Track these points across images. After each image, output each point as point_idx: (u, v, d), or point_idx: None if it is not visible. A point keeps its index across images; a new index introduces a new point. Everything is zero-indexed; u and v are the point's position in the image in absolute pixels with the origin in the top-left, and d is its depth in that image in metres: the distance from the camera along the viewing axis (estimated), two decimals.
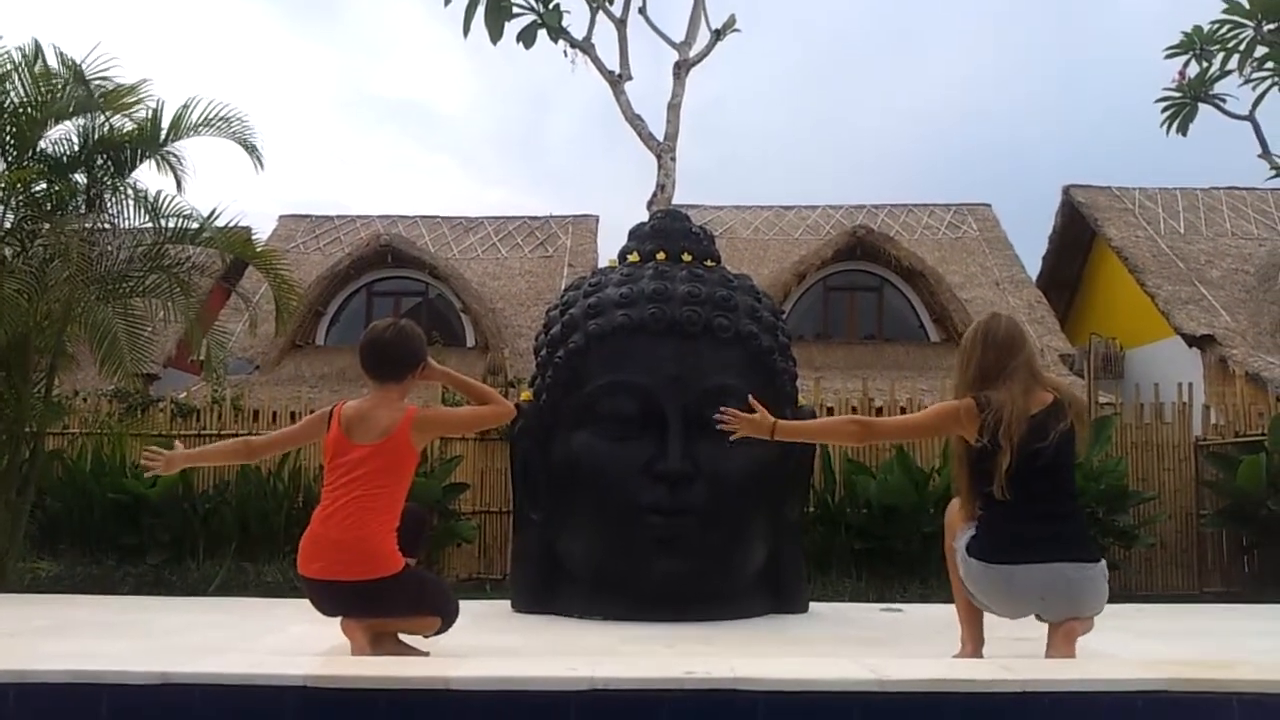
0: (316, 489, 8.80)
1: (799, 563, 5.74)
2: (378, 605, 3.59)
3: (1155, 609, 7.02)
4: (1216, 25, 14.85)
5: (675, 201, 13.22)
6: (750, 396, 3.91)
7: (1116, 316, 18.25)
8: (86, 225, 8.32)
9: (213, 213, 8.65)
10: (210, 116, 8.48)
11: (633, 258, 5.70)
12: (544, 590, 5.39)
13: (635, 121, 13.45)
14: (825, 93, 69.32)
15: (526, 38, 13.71)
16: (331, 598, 3.62)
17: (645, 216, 6.58)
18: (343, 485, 3.56)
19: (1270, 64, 14.63)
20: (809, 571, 6.48)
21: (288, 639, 4.49)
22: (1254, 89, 14.95)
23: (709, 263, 5.71)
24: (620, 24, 13.95)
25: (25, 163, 8.09)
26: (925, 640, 4.60)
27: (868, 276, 17.55)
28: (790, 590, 5.55)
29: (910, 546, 8.73)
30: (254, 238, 9.36)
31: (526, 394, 5.73)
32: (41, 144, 8.30)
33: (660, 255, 5.60)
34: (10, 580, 7.88)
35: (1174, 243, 18.11)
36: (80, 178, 8.51)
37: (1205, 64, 15.27)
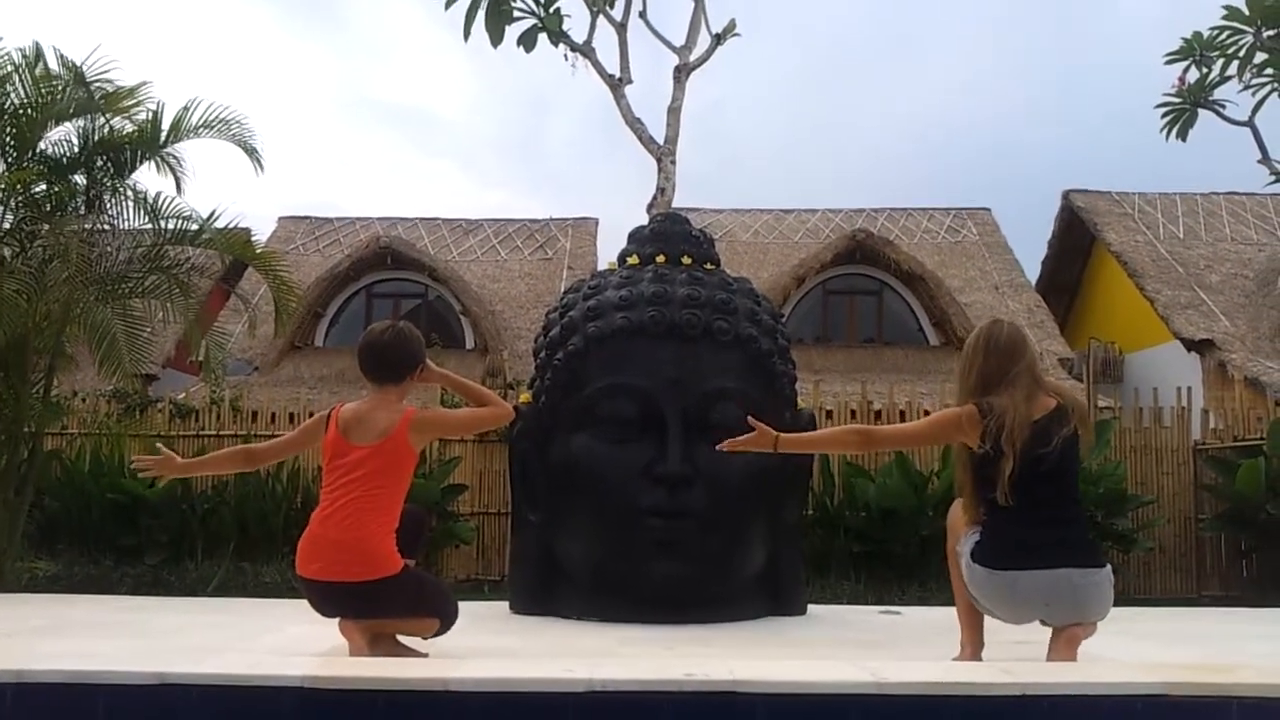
0: (315, 490, 8.81)
1: (798, 565, 5.74)
2: (376, 606, 3.59)
3: (1154, 613, 7.02)
4: (1216, 31, 14.89)
5: (675, 205, 13.23)
6: (749, 416, 3.92)
7: (1116, 321, 18.26)
8: (86, 226, 8.32)
9: (212, 214, 8.66)
10: (210, 118, 8.49)
11: (632, 261, 5.70)
12: (542, 592, 5.39)
13: (635, 125, 13.47)
14: (825, 97, 69.40)
15: (527, 41, 13.73)
16: (330, 599, 3.62)
17: (645, 219, 6.58)
18: (341, 486, 3.56)
19: (1270, 70, 14.67)
20: (808, 574, 6.48)
21: (286, 639, 4.48)
22: (1253, 95, 15.01)
23: (708, 266, 5.71)
24: (620, 28, 13.96)
25: (25, 164, 8.09)
26: (924, 643, 4.59)
27: (867, 280, 17.55)
28: (789, 593, 5.54)
29: (909, 549, 8.73)
30: (253, 239, 9.36)
31: (525, 396, 5.73)
32: (41, 145, 8.31)
33: (660, 258, 5.60)
34: (8, 580, 7.88)
35: (1173, 247, 18.12)
36: (80, 179, 8.51)
37: (1205, 70, 15.32)
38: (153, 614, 5.82)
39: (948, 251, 19.54)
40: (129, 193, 8.52)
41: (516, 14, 13.57)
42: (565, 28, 13.83)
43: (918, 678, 2.60)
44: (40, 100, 8.06)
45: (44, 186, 8.22)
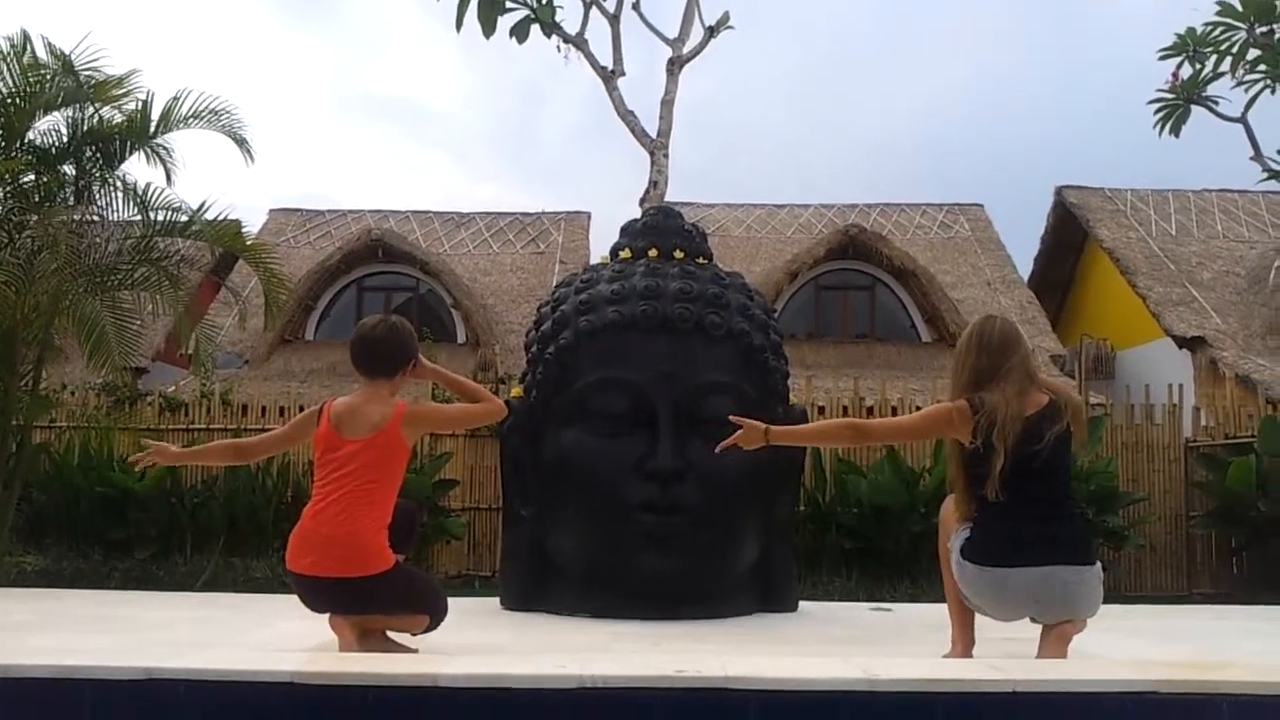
0: (305, 484, 8.80)
1: (789, 561, 5.73)
2: (367, 602, 3.57)
3: (1145, 610, 7.04)
4: (1209, 27, 14.91)
5: (668, 199, 13.21)
6: (737, 414, 3.90)
7: (1108, 317, 18.30)
8: (75, 217, 8.27)
9: (202, 206, 8.61)
10: (200, 109, 8.44)
11: (625, 254, 5.69)
12: (534, 587, 5.38)
13: (628, 118, 13.44)
14: (819, 92, 69.42)
15: (519, 33, 13.69)
16: (321, 594, 3.60)
17: (638, 213, 6.56)
18: (334, 480, 3.54)
19: (1263, 66, 14.69)
20: (799, 570, 6.48)
21: (275, 635, 4.47)
22: (1246, 91, 15.02)
23: (701, 260, 5.69)
24: (614, 19, 13.93)
25: (13, 154, 8.04)
26: (915, 640, 4.59)
27: (860, 276, 17.56)
28: (780, 589, 5.54)
29: (900, 546, 8.74)
30: (244, 231, 9.31)
31: (517, 390, 5.72)
32: (30, 135, 8.25)
33: (652, 252, 5.59)
34: None
35: (1165, 244, 18.16)
36: (69, 169, 8.46)
37: (1198, 66, 15.33)
38: (141, 609, 5.80)
39: (940, 247, 19.56)
40: (118, 183, 8.47)
41: (509, 5, 13.53)
42: (558, 19, 13.80)
43: (909, 674, 2.60)
44: (28, 89, 8.00)
45: (32, 177, 8.17)
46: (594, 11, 13.96)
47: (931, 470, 9.02)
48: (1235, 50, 14.82)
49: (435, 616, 3.74)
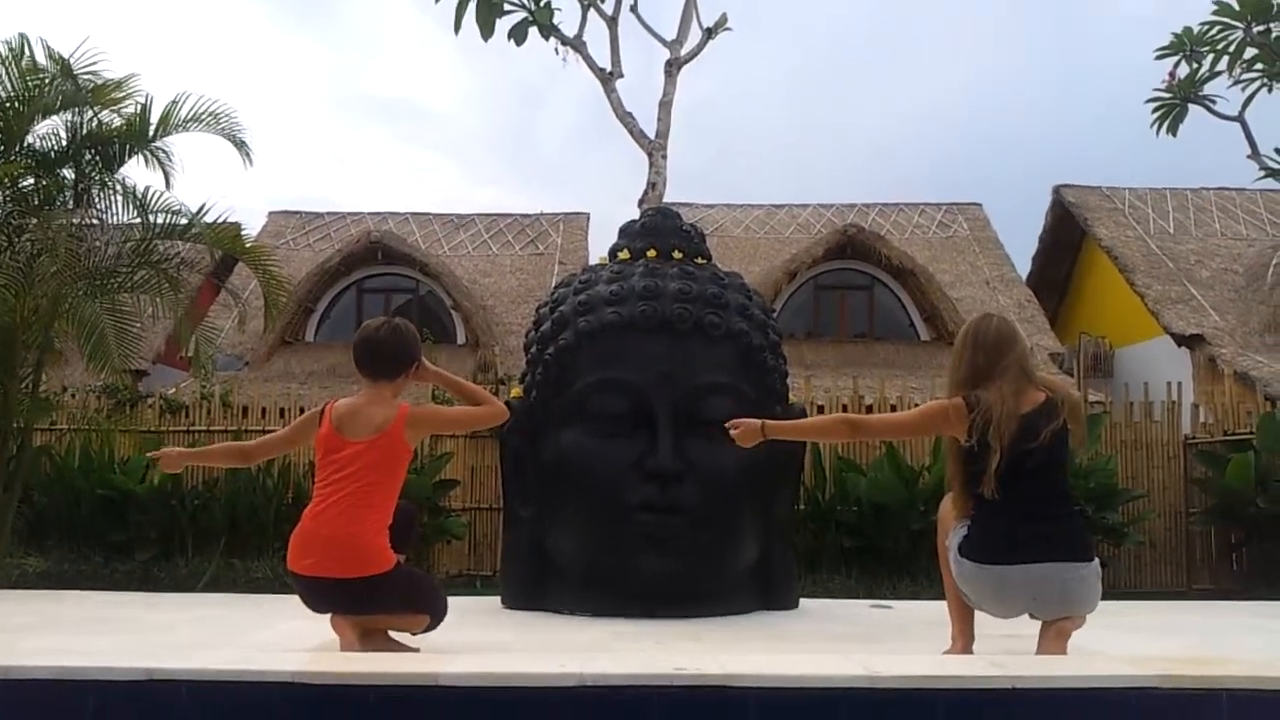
0: (306, 485, 8.81)
1: (789, 560, 5.74)
2: (368, 603, 3.58)
3: (1144, 606, 7.05)
4: (1206, 26, 14.94)
5: (666, 199, 13.24)
6: (734, 415, 3.93)
7: (1106, 316, 18.31)
8: (74, 220, 8.28)
9: (202, 208, 8.62)
10: (199, 112, 8.45)
11: (623, 255, 5.69)
12: (534, 587, 5.39)
13: (626, 119, 13.46)
14: (817, 93, 69.41)
15: (518, 35, 13.72)
16: (322, 595, 3.60)
17: (636, 214, 6.57)
18: (335, 482, 3.55)
19: (1260, 65, 14.73)
20: (799, 569, 6.49)
21: (277, 635, 4.47)
22: (1243, 90, 15.06)
23: (700, 260, 5.70)
24: (611, 21, 13.95)
25: (12, 157, 8.05)
26: (915, 637, 4.60)
27: (858, 275, 17.56)
28: (780, 587, 5.55)
29: (900, 544, 8.74)
30: (243, 234, 9.33)
31: (517, 391, 5.72)
32: (29, 138, 8.26)
33: (651, 253, 5.59)
34: None
35: (1163, 243, 18.17)
36: (68, 173, 8.47)
37: (1195, 65, 15.36)
38: (142, 610, 5.81)
39: (939, 247, 19.56)
40: (117, 187, 8.48)
41: (507, 7, 13.56)
42: (556, 21, 13.82)
43: (909, 671, 2.60)
44: (27, 93, 8.01)
45: (32, 180, 8.17)
46: (592, 14, 13.99)
47: (931, 468, 9.02)
48: (1232, 49, 14.85)
49: (435, 616, 3.75)
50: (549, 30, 13.75)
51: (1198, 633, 5.29)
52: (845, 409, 10.47)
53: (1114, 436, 10.23)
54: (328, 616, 3.68)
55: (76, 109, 8.28)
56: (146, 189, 8.54)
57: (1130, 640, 4.53)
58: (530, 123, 70.74)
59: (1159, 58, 15.55)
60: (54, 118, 8.30)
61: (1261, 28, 14.41)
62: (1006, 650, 3.59)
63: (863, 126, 68.91)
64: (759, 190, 73.33)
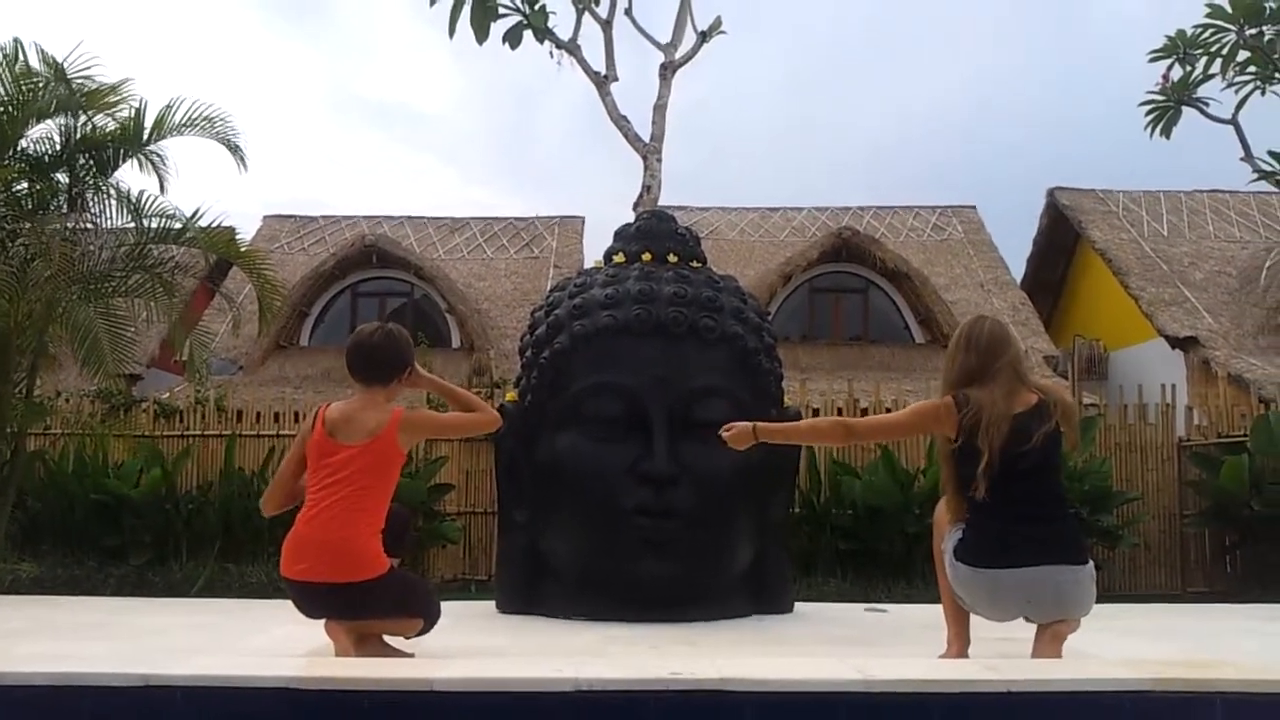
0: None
1: (784, 563, 5.75)
2: (361, 607, 3.58)
3: (1139, 609, 7.06)
4: (1200, 29, 14.98)
5: (661, 203, 13.24)
6: (726, 420, 3.93)
7: (1100, 318, 18.33)
8: (68, 225, 8.28)
9: (196, 213, 8.62)
10: (194, 116, 8.45)
11: (618, 258, 5.70)
12: (529, 591, 5.38)
13: (621, 122, 13.47)
14: (811, 95, 69.45)
15: (512, 38, 13.72)
16: (315, 600, 3.60)
17: (631, 217, 6.58)
18: (328, 486, 3.54)
19: (1253, 68, 14.78)
20: (794, 572, 6.49)
21: (271, 640, 4.47)
22: (1236, 92, 15.11)
23: (695, 264, 5.71)
24: (606, 25, 13.96)
25: (6, 162, 8.04)
26: (910, 640, 4.61)
27: (853, 278, 17.57)
28: (775, 591, 5.55)
29: (895, 547, 8.75)
30: (238, 238, 9.32)
31: (511, 395, 5.72)
32: (22, 143, 8.26)
33: (646, 256, 5.60)
34: None
35: (1157, 245, 18.20)
36: (62, 177, 8.47)
37: (1189, 67, 15.40)
38: (137, 615, 5.79)
39: (933, 249, 19.58)
40: (112, 191, 8.49)
41: (501, 11, 13.56)
42: (550, 25, 13.82)
43: (904, 675, 2.61)
44: (20, 97, 8.01)
45: (25, 185, 8.18)
46: (586, 17, 13.99)
47: (926, 471, 9.03)
48: (1225, 52, 14.90)
49: (429, 619, 3.75)
50: (544, 34, 13.76)
51: (1192, 635, 5.29)
52: (840, 412, 10.48)
53: (1108, 439, 10.25)
54: (322, 622, 3.68)
55: (70, 113, 8.28)
56: (141, 193, 8.55)
57: (1124, 643, 4.53)
58: (525, 126, 70.75)
59: (1153, 60, 15.60)
60: (48, 122, 8.31)
61: (1254, 30, 14.46)
62: (1001, 654, 3.60)
63: (857, 129, 68.99)
64: (754, 193, 73.41)
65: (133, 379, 14.02)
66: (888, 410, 10.43)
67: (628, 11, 14.07)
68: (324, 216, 21.28)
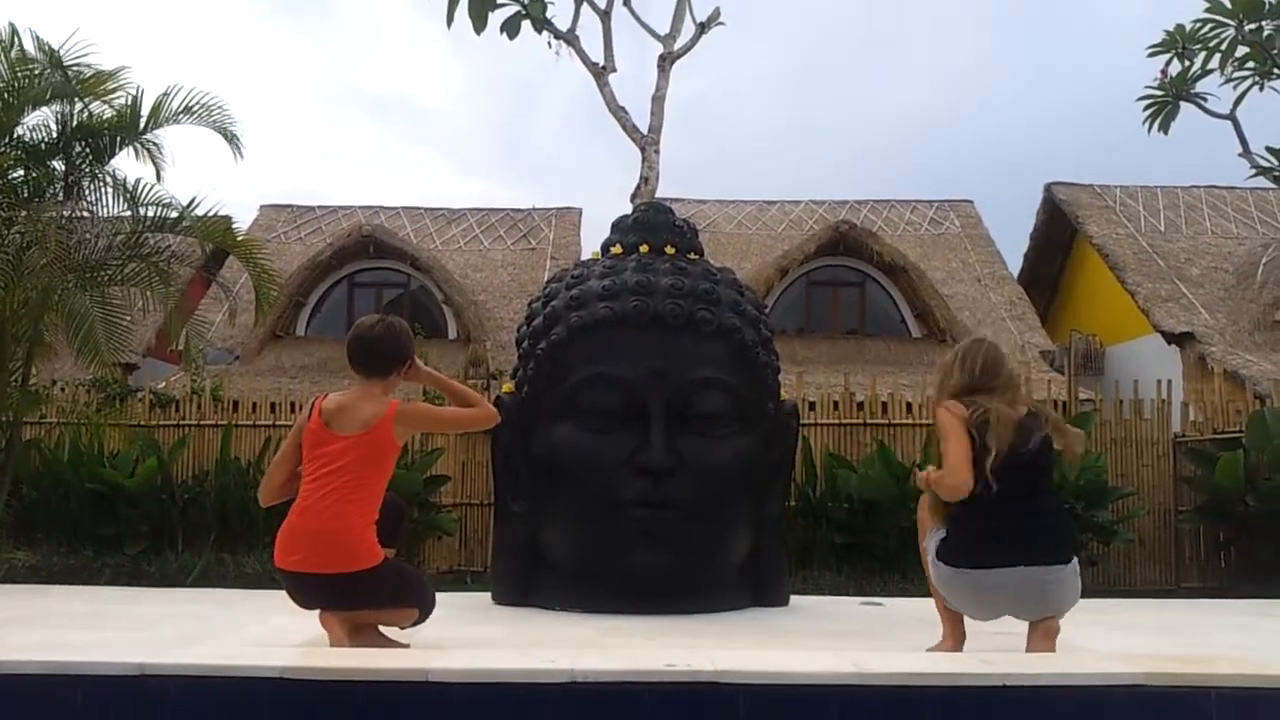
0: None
1: (780, 556, 5.75)
2: (356, 598, 3.57)
3: (1133, 604, 7.07)
4: (1198, 24, 14.95)
5: (659, 195, 13.21)
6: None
7: (1097, 313, 18.35)
8: (64, 213, 8.24)
9: (192, 201, 8.58)
10: (190, 105, 8.42)
11: (615, 250, 5.69)
12: (525, 582, 5.38)
13: (619, 114, 13.43)
14: (809, 88, 69.38)
15: (510, 29, 13.66)
16: (309, 591, 3.60)
17: (629, 209, 6.57)
18: (322, 476, 3.54)
19: (1251, 63, 14.76)
20: (790, 565, 6.50)
21: (267, 630, 4.47)
22: (1235, 88, 15.09)
23: (692, 256, 5.70)
24: (604, 16, 13.91)
25: (2, 149, 8.01)
26: (905, 634, 4.61)
27: (850, 272, 17.57)
28: (771, 583, 5.56)
29: (890, 541, 8.75)
30: (234, 227, 9.29)
31: (508, 386, 5.72)
32: (18, 130, 8.22)
33: (643, 248, 5.59)
34: None
35: (1154, 241, 18.21)
36: (58, 165, 8.44)
37: (1187, 63, 15.37)
38: (132, 605, 5.80)
39: (930, 243, 19.59)
40: (108, 179, 8.45)
41: (500, 1, 13.51)
42: (549, 15, 13.77)
43: (899, 668, 2.61)
44: (16, 84, 7.97)
45: (21, 172, 8.14)
46: (585, 8, 13.94)
47: (922, 465, 9.04)
48: (1224, 47, 14.87)
49: (424, 609, 3.75)
50: (542, 24, 13.71)
51: (1186, 630, 5.31)
52: (836, 406, 10.49)
53: (1104, 434, 10.26)
54: (317, 612, 3.67)
55: (66, 100, 8.24)
56: (137, 181, 8.51)
57: (1119, 638, 4.54)
58: (523, 117, 70.63)
59: (1151, 55, 15.57)
60: (44, 109, 8.27)
61: (1253, 26, 14.43)
62: (996, 647, 3.60)
63: (855, 123, 68.94)
64: (751, 186, 73.25)
65: (129, 368, 14.00)
66: (884, 404, 10.47)
67: (626, 2, 14.03)
68: (321, 206, 21.24)
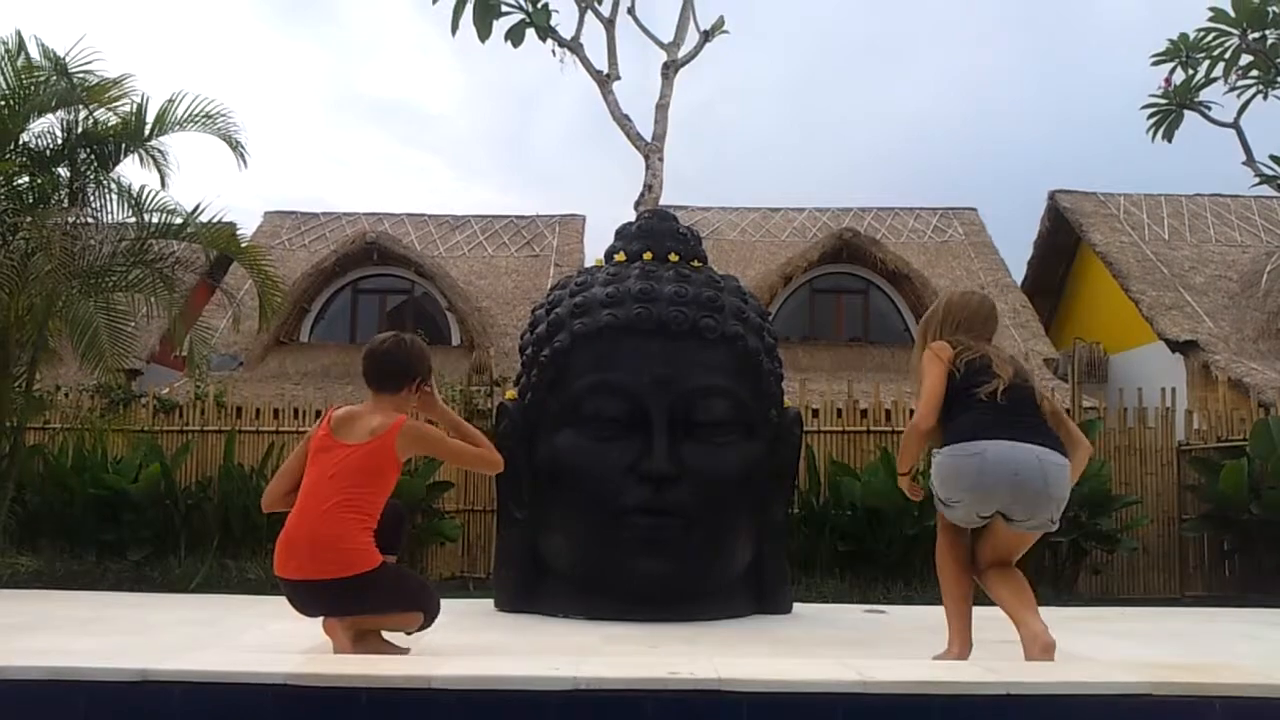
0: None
1: (783, 564, 5.74)
2: (356, 603, 3.57)
3: (1137, 612, 7.05)
4: (1202, 33, 14.94)
5: (662, 202, 13.22)
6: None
7: (1100, 321, 18.33)
8: (69, 219, 8.27)
9: (197, 208, 8.62)
10: (195, 112, 8.45)
11: (619, 258, 5.69)
12: (527, 589, 5.38)
13: (623, 121, 13.44)
14: (813, 96, 69.47)
15: (515, 37, 13.68)
16: (308, 598, 3.59)
17: (632, 216, 6.57)
18: (321, 482, 3.53)
19: (1255, 72, 14.74)
20: (793, 573, 6.48)
21: (269, 636, 4.47)
22: (1239, 96, 15.07)
23: (695, 263, 5.70)
24: (609, 24, 13.94)
25: (7, 155, 8.04)
26: (908, 642, 4.60)
27: (853, 279, 17.59)
28: (774, 591, 5.54)
29: (893, 548, 8.75)
30: (239, 234, 9.32)
31: (511, 393, 5.72)
32: (24, 137, 8.25)
33: (647, 255, 5.59)
34: None
35: (1158, 248, 18.20)
36: (63, 171, 8.47)
37: (1191, 71, 15.36)
38: (135, 610, 5.79)
39: (934, 251, 19.59)
40: (113, 186, 8.48)
41: (504, 9, 13.53)
42: (553, 23, 13.80)
43: (903, 677, 2.61)
44: (22, 91, 8.01)
45: (26, 179, 8.18)
46: (589, 16, 13.97)
47: (926, 474, 9.01)
48: (1228, 56, 14.86)
49: (428, 613, 3.73)
50: (546, 32, 13.73)
51: (1190, 639, 5.29)
52: (840, 413, 10.49)
53: (1108, 442, 10.24)
54: (320, 619, 3.67)
55: (72, 107, 8.28)
56: (142, 188, 8.55)
57: (1124, 646, 4.53)
58: (526, 125, 70.78)
59: (1155, 64, 15.55)
60: (49, 116, 8.31)
61: (1257, 35, 14.42)
62: (1001, 656, 3.59)
63: (859, 130, 69.00)
64: (755, 193, 73.43)
65: (133, 374, 14.03)
66: (887, 412, 10.46)
67: (630, 10, 14.06)
68: (325, 213, 21.28)
